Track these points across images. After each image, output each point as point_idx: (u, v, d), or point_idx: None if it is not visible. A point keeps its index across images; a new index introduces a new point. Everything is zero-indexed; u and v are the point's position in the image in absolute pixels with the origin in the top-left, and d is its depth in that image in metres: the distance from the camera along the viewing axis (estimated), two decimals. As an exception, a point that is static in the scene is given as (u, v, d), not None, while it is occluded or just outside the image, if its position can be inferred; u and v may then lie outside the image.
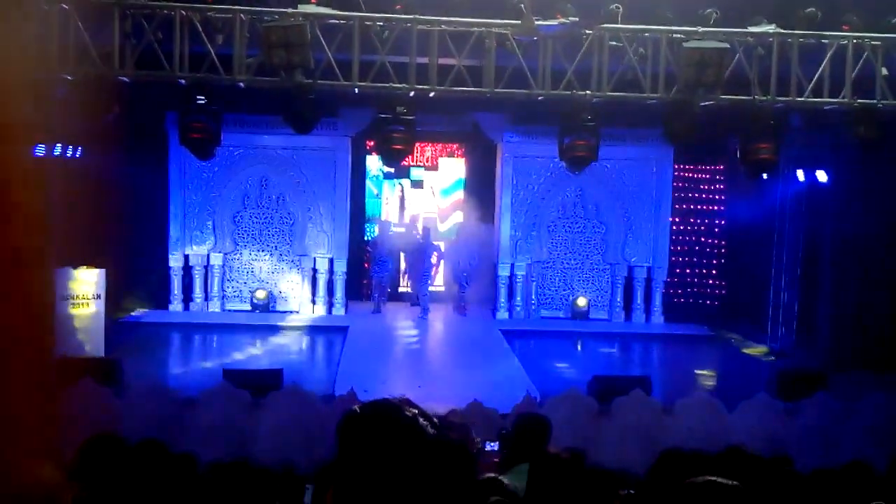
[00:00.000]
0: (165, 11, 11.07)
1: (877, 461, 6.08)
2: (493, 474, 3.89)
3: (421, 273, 17.85)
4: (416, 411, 1.77)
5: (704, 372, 14.87)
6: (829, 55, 11.57)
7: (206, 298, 17.61)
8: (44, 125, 1.42)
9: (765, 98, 11.76)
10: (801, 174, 16.16)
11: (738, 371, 15.05)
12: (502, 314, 17.89)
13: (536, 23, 11.17)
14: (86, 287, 13.24)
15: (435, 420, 1.76)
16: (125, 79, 11.35)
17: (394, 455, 1.65)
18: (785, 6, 11.87)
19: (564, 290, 18.27)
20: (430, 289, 17.98)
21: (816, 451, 9.51)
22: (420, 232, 18.55)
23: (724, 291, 18.79)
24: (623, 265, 18.14)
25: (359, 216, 18.79)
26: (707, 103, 11.80)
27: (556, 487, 3.45)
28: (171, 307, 17.40)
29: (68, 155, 13.45)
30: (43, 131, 1.41)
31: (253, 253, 17.84)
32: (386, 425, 1.69)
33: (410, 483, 1.64)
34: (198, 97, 11.69)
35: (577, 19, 11.24)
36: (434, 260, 18.19)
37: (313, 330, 16.88)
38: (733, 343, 17.18)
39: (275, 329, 16.65)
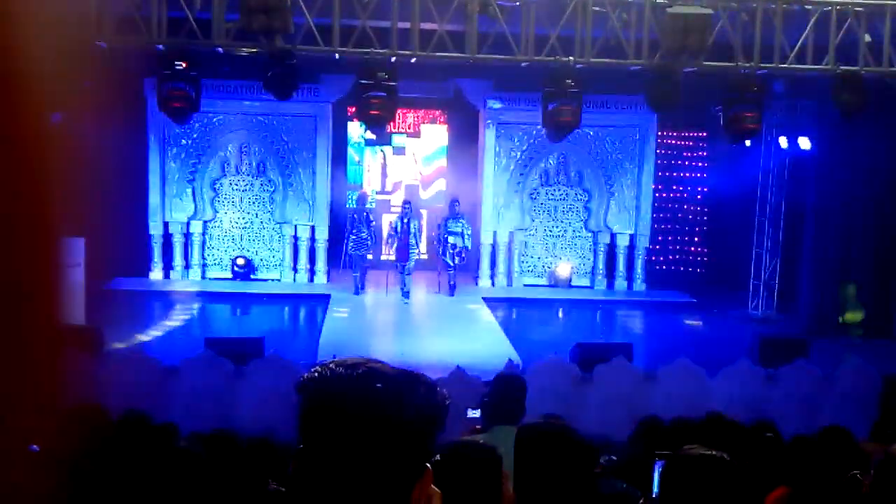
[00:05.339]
0: (142, -25, 10.88)
1: (856, 427, 6.11)
2: (469, 437, 3.88)
3: (403, 248, 16.66)
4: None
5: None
6: (812, 21, 11.50)
7: (187, 266, 17.50)
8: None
9: (748, 64, 11.70)
10: (783, 141, 16.17)
11: (719, 338, 15.12)
12: (484, 282, 17.86)
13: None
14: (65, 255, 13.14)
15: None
16: (102, 44, 11.15)
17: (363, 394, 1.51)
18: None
19: (547, 257, 18.26)
20: (416, 257, 16.85)
21: (797, 418, 9.57)
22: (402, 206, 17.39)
23: (706, 258, 18.86)
24: (605, 233, 18.14)
25: (340, 183, 18.65)
26: (690, 70, 11.73)
27: (543, 456, 3.41)
28: (151, 275, 17.29)
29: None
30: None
31: (233, 220, 17.71)
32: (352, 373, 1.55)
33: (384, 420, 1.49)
34: (176, 63, 11.51)
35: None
36: (415, 228, 17.53)
37: (295, 298, 16.82)
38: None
39: (256, 297, 16.57)
